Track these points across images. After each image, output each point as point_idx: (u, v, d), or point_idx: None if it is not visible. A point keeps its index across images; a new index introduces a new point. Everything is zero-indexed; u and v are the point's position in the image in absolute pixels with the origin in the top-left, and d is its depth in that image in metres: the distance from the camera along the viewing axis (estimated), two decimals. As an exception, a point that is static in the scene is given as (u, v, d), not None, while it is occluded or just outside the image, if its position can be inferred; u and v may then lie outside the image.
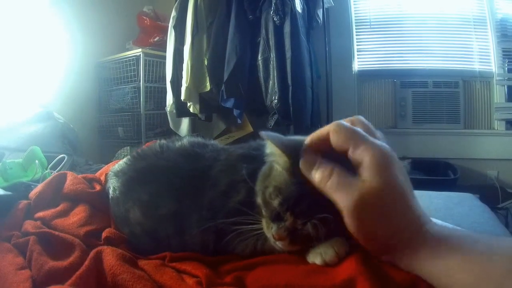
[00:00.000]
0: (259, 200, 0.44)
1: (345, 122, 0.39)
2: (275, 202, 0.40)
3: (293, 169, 0.40)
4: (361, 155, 0.35)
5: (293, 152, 0.40)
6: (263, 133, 0.42)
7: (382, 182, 0.34)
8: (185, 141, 0.60)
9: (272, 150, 0.43)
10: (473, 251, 0.33)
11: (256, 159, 0.50)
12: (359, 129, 0.37)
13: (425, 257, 0.34)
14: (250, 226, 0.44)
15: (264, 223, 0.43)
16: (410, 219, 0.35)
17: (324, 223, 0.38)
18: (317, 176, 0.37)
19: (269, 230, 0.42)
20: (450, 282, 0.32)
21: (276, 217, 0.41)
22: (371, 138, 0.36)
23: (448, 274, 0.32)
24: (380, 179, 0.34)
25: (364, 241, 0.37)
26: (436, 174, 2.08)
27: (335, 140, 0.37)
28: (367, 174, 0.34)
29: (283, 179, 0.41)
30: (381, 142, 0.37)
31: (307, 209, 0.39)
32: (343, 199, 0.35)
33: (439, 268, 0.33)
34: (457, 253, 0.33)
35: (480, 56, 2.28)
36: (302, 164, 0.39)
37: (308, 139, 0.40)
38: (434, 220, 0.38)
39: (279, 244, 0.42)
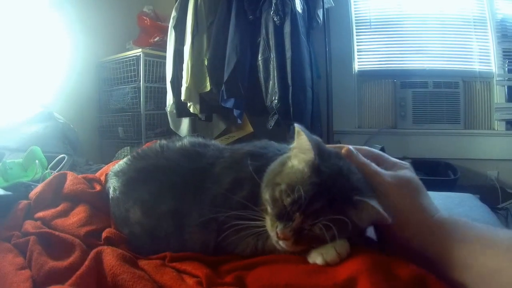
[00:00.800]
0: (266, 196, 0.43)
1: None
2: (287, 200, 0.40)
3: (317, 167, 0.40)
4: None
5: (320, 151, 0.41)
6: (297, 126, 0.43)
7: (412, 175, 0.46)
8: (186, 141, 0.60)
9: (300, 143, 0.42)
10: (496, 239, 0.36)
11: (263, 157, 0.49)
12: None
13: (449, 239, 0.38)
14: (252, 222, 0.44)
15: (268, 220, 0.43)
16: (428, 204, 0.43)
17: (334, 225, 0.38)
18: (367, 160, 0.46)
19: (273, 228, 0.41)
20: (473, 264, 0.35)
21: (283, 216, 0.40)
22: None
23: (471, 257, 0.36)
24: (410, 173, 0.46)
25: (403, 212, 0.42)
26: (436, 174, 2.07)
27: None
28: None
29: (299, 177, 0.40)
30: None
31: (318, 210, 0.39)
32: (391, 175, 0.45)
33: (464, 251, 0.36)
34: (480, 239, 0.36)
35: (480, 56, 2.28)
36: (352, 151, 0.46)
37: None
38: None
39: (282, 244, 0.41)
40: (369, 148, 0.51)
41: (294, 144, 0.44)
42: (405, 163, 0.49)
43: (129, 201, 0.55)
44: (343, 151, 0.47)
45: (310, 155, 0.40)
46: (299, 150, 0.42)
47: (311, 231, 0.39)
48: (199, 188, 0.51)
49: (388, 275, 0.36)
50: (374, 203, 0.39)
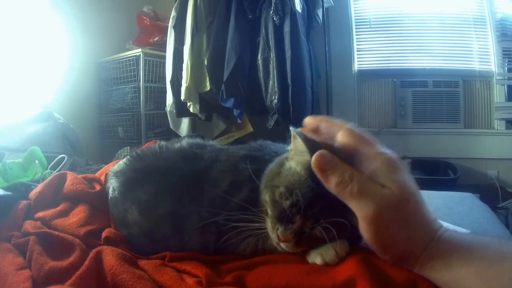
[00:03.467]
0: (266, 198, 0.42)
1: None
2: (286, 203, 0.39)
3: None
4: (374, 159, 0.35)
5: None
6: (292, 129, 0.41)
7: (401, 188, 0.34)
8: (184, 142, 0.60)
9: (296, 146, 0.41)
10: (484, 257, 0.33)
11: (259, 160, 0.49)
12: (369, 136, 0.38)
13: (437, 266, 0.34)
14: (252, 224, 0.43)
15: (268, 222, 0.42)
16: (425, 225, 0.35)
17: (334, 227, 0.38)
18: (334, 178, 0.35)
19: (274, 230, 0.41)
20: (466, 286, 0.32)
21: (283, 218, 0.40)
22: (379, 145, 0.37)
23: (458, 282, 0.33)
24: (399, 184, 0.34)
25: (381, 250, 0.36)
26: (436, 173, 2.08)
27: (347, 140, 0.37)
28: (386, 180, 0.34)
29: (297, 179, 0.40)
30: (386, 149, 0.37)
31: (318, 212, 0.38)
32: (364, 207, 0.34)
33: (450, 276, 0.33)
34: (467, 261, 0.33)
35: (480, 55, 2.28)
36: (316, 161, 0.35)
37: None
38: (444, 224, 0.37)
39: (282, 245, 0.41)
40: (349, 129, 0.39)
41: (291, 146, 0.43)
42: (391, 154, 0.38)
43: (127, 202, 0.55)
44: (344, 128, 0.38)
45: (306, 157, 0.40)
46: (296, 153, 0.42)
47: (311, 233, 0.39)
48: (197, 190, 0.51)
49: (386, 277, 0.36)
50: None
